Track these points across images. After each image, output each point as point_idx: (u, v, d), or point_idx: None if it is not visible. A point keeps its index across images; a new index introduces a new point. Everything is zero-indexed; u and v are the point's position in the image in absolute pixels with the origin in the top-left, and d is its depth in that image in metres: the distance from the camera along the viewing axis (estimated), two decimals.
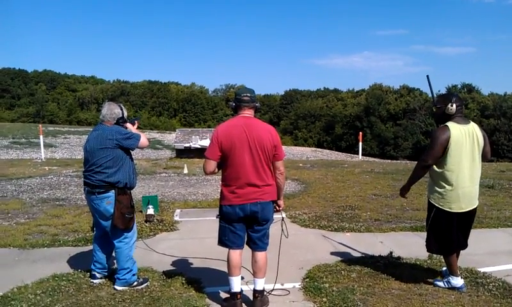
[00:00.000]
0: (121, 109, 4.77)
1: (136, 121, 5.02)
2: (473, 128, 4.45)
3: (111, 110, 4.69)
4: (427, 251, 4.84)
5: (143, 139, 4.77)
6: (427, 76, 4.99)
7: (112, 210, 4.52)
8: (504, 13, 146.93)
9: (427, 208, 4.74)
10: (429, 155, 4.43)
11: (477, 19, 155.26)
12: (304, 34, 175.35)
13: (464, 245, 4.69)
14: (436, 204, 4.52)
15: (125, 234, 4.66)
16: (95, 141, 4.55)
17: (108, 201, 4.53)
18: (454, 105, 4.42)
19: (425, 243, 4.78)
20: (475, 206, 4.56)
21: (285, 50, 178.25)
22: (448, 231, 4.52)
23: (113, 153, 4.52)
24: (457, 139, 4.34)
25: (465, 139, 4.37)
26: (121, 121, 4.73)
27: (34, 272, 5.11)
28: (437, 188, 4.51)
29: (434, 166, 4.47)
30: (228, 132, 4.07)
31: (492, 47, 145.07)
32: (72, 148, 31.11)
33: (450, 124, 4.40)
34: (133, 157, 4.83)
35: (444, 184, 4.45)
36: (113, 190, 4.53)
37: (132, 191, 4.79)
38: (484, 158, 4.61)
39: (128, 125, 4.84)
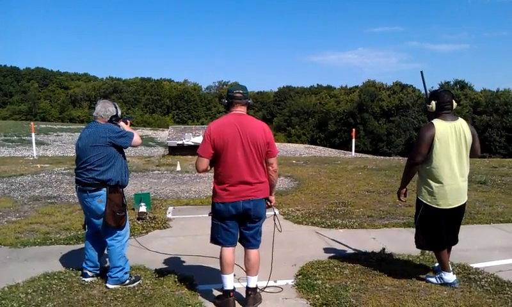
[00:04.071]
0: (116, 108, 4.75)
1: (127, 121, 4.99)
2: (461, 124, 4.46)
3: (105, 108, 4.67)
4: (417, 247, 4.86)
5: (136, 137, 4.74)
6: (421, 72, 4.99)
7: (103, 208, 4.50)
8: (498, 11, 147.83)
9: (415, 205, 4.75)
10: (416, 153, 4.45)
11: (471, 16, 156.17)
12: (299, 30, 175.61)
13: (455, 241, 4.71)
14: (424, 201, 4.55)
15: (118, 232, 4.63)
16: (88, 139, 4.52)
17: (99, 200, 4.50)
18: (433, 103, 4.48)
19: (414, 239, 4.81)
20: (463, 202, 4.57)
21: (279, 46, 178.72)
22: (437, 228, 4.54)
23: (106, 151, 4.49)
24: (442, 136, 4.36)
25: (451, 136, 4.39)
26: (114, 119, 4.71)
27: (26, 270, 5.07)
28: (425, 185, 4.54)
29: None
30: (221, 130, 4.04)
31: (486, 44, 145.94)
32: (64, 146, 30.91)
33: (435, 121, 4.43)
34: (125, 154, 4.81)
35: (431, 181, 4.47)
36: (104, 189, 4.50)
37: (124, 189, 4.76)
38: (474, 154, 4.62)
39: (121, 123, 4.82)
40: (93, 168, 4.47)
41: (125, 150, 4.76)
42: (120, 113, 4.79)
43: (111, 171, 4.52)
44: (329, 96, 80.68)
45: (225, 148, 4.01)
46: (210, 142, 4.03)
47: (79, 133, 4.74)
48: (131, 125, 5.06)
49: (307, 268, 5.11)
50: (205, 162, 4.11)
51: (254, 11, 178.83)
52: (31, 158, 18.45)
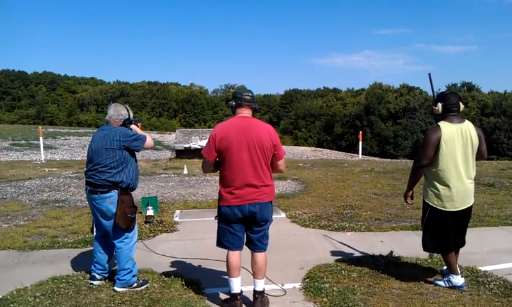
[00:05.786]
0: (128, 111, 4.79)
1: (138, 123, 5.03)
2: (467, 127, 4.44)
3: (118, 112, 4.72)
4: (424, 250, 4.84)
5: (149, 140, 4.81)
6: (429, 74, 4.97)
7: (114, 210, 4.53)
8: (504, 12, 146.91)
9: (422, 207, 4.74)
10: (422, 156, 4.44)
11: (478, 18, 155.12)
12: (305, 33, 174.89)
13: (462, 243, 4.68)
14: (431, 204, 4.53)
15: (126, 234, 4.66)
16: (102, 141, 4.56)
17: (110, 201, 4.54)
18: (440, 105, 4.46)
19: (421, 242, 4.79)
20: (470, 205, 4.55)
21: (285, 49, 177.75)
22: (444, 230, 4.52)
23: (119, 154, 4.54)
24: (448, 138, 4.34)
25: (457, 138, 4.37)
26: (127, 123, 4.75)
27: (34, 274, 5.10)
28: (431, 188, 4.52)
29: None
30: (226, 132, 4.06)
31: (493, 45, 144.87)
32: (71, 150, 31.02)
33: (442, 123, 4.41)
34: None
35: (437, 183, 4.46)
36: (116, 190, 4.54)
37: (132, 192, 4.78)
38: (481, 157, 4.60)
39: (133, 126, 4.86)
40: (106, 170, 4.51)
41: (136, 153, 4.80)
42: (131, 116, 4.83)
43: (123, 173, 4.57)
44: (335, 99, 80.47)
45: (230, 150, 4.02)
46: (213, 145, 4.06)
47: (87, 137, 4.78)
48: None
49: (314, 272, 5.10)
50: (209, 164, 4.18)
51: (260, 14, 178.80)
52: (39, 162, 18.55)
